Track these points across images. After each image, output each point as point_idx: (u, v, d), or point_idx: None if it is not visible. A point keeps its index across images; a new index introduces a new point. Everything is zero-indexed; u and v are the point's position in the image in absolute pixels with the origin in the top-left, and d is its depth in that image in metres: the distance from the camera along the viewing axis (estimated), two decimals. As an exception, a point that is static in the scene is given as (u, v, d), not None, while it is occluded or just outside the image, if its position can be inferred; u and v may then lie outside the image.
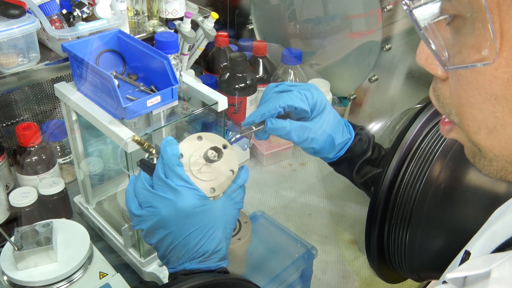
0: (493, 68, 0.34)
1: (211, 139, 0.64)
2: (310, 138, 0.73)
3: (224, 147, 0.64)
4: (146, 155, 0.63)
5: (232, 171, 0.64)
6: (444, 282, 0.44)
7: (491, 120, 0.37)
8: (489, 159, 0.40)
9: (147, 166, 0.62)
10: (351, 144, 0.77)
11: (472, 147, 0.41)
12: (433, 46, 0.36)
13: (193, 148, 0.62)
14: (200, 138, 0.63)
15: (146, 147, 0.62)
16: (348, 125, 0.78)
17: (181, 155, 0.61)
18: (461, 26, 0.35)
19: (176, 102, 0.82)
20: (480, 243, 0.46)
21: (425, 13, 0.35)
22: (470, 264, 0.42)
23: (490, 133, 0.37)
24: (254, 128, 0.72)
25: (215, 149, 0.61)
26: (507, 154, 0.38)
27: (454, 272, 0.41)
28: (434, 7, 0.35)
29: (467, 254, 0.47)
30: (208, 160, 0.61)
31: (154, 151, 0.62)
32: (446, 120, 0.43)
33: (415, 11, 0.35)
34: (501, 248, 0.43)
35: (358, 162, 0.78)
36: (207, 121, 1.16)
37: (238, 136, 0.69)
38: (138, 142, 0.62)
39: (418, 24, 0.35)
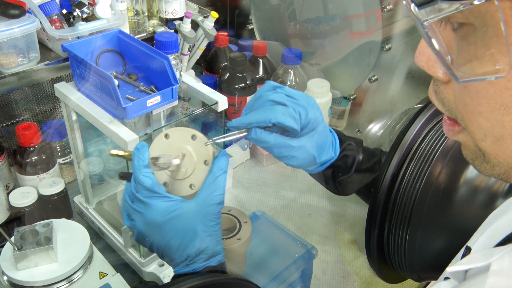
0: (505, 79, 0.33)
1: (178, 134, 0.61)
2: (290, 155, 0.68)
3: (194, 137, 0.60)
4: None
5: (206, 161, 0.60)
6: (446, 278, 0.44)
7: (498, 129, 0.36)
8: (492, 164, 0.39)
9: (129, 177, 0.61)
10: (333, 162, 0.73)
11: (477, 151, 0.40)
12: (437, 47, 0.35)
13: (162, 148, 0.61)
14: (167, 136, 0.61)
15: (127, 156, 0.61)
16: (336, 142, 0.73)
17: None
18: (469, 34, 0.34)
19: (176, 102, 0.83)
20: (482, 240, 0.46)
21: (432, 18, 0.34)
22: (470, 258, 0.42)
23: (497, 141, 0.37)
24: (236, 134, 0.66)
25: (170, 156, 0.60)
26: None
27: (455, 265, 0.41)
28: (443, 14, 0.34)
29: (468, 249, 0.47)
30: (170, 167, 0.60)
31: None
32: (450, 121, 0.42)
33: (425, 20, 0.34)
34: (502, 243, 0.43)
35: (336, 179, 0.75)
36: (207, 121, 1.16)
37: (217, 141, 0.63)
38: (117, 155, 0.61)
39: (423, 26, 0.34)
